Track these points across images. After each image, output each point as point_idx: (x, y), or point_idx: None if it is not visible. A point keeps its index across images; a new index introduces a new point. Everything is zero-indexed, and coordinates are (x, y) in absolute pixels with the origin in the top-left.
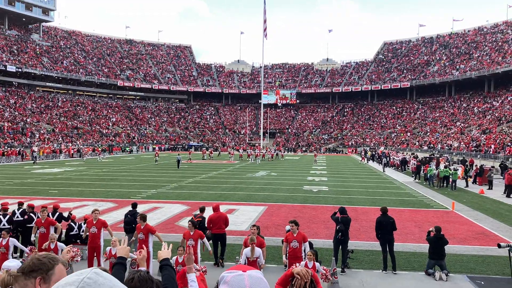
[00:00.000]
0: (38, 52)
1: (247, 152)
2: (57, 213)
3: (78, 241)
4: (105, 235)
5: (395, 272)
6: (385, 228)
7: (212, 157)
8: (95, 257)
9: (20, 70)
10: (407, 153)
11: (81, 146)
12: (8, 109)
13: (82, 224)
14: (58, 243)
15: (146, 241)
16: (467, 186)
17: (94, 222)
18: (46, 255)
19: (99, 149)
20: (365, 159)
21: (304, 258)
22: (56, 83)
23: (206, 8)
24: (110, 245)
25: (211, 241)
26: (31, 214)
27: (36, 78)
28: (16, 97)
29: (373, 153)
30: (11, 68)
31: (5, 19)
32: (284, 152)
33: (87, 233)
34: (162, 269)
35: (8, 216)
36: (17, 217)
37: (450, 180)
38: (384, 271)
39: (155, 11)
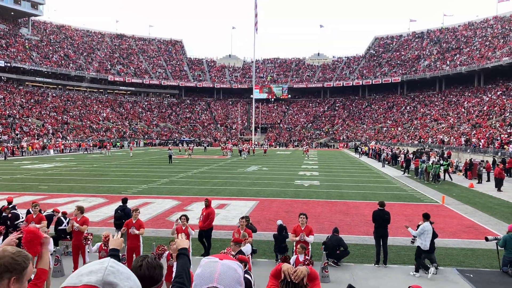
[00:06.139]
0: (27, 47)
1: (238, 147)
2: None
3: (68, 236)
4: (92, 230)
5: (385, 266)
6: (379, 222)
7: (190, 154)
8: (80, 255)
9: (9, 65)
10: (397, 148)
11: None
12: None
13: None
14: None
15: (137, 235)
16: (450, 179)
17: (78, 219)
18: (19, 253)
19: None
20: (358, 154)
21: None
22: (45, 78)
23: (197, 2)
24: (101, 241)
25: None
26: (14, 211)
27: (26, 73)
28: (5, 92)
29: (369, 148)
30: None
31: None
32: (275, 147)
33: (70, 230)
34: (179, 257)
35: None
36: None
37: (440, 174)
38: (376, 265)
39: (146, 4)
